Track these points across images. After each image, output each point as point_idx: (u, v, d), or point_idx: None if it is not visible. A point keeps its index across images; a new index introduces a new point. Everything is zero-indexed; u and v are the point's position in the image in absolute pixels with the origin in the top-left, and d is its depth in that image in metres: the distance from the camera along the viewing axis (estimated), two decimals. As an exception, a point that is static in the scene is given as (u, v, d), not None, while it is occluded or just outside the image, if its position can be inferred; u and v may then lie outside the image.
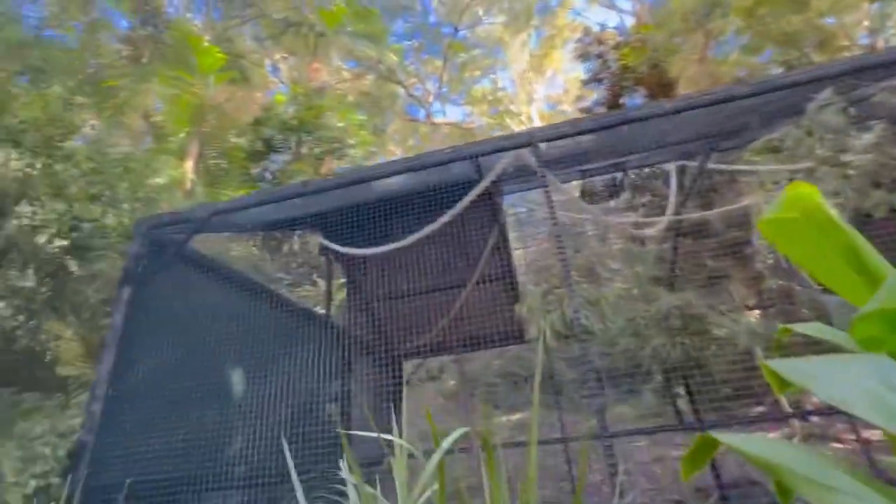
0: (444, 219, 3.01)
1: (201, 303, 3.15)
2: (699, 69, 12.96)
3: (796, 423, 8.50)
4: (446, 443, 1.05)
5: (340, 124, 10.22)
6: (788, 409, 8.57)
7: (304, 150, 11.20)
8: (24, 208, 3.03)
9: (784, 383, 1.00)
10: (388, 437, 1.41)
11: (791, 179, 2.45)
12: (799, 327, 1.01)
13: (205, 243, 4.33)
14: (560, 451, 7.00)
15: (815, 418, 8.74)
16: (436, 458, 1.01)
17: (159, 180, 5.55)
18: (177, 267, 3.14)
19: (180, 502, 2.51)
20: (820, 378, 0.80)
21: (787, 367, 0.89)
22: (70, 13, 9.15)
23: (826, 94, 2.28)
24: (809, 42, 12.14)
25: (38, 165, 3.08)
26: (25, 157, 3.01)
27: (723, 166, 4.55)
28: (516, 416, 10.41)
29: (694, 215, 4.57)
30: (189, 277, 3.18)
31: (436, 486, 1.24)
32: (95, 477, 2.44)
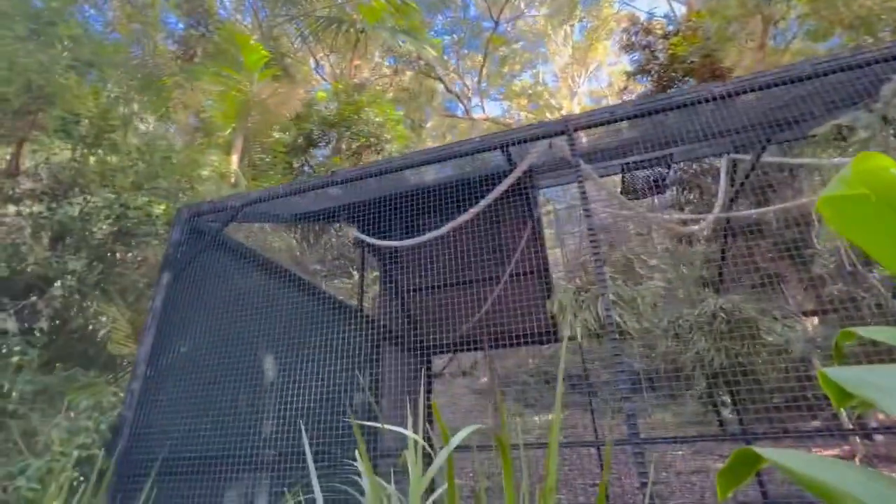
0: (476, 209, 2.94)
1: (236, 289, 3.26)
2: (757, 58, 12.09)
3: (857, 440, 7.82)
4: (455, 439, 0.99)
5: (378, 119, 10.32)
6: (849, 425, 7.91)
7: (342, 145, 11.42)
8: (76, 197, 3.26)
9: (844, 395, 0.87)
10: (402, 431, 1.38)
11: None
12: (864, 331, 0.87)
13: (246, 233, 4.49)
14: (594, 454, 6.78)
15: (879, 437, 8.01)
16: (443, 454, 0.96)
17: (205, 173, 5.80)
18: (214, 254, 3.26)
19: (211, 479, 2.60)
20: (887, 389, 0.68)
21: (848, 375, 0.77)
22: (132, 17, 9.75)
23: (905, 74, 2.02)
24: (885, 26, 11.05)
25: (90, 156, 3.30)
26: (78, 147, 3.22)
27: (780, 159, 4.20)
28: (549, 416, 10.21)
29: (744, 213, 4.24)
30: (225, 264, 3.29)
31: (446, 485, 1.18)
32: (134, 450, 2.57)
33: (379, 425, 1.83)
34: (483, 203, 2.94)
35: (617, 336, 1.93)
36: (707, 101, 2.33)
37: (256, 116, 9.37)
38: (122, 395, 2.73)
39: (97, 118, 3.23)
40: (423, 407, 1.72)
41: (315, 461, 1.65)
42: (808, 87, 2.74)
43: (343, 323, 4.51)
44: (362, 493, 1.61)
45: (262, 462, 2.68)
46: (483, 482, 1.43)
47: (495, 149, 2.67)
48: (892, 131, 2.16)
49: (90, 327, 3.71)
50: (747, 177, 4.36)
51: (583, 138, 2.83)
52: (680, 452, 8.25)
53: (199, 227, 3.35)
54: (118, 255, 3.54)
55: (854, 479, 0.68)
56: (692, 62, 10.63)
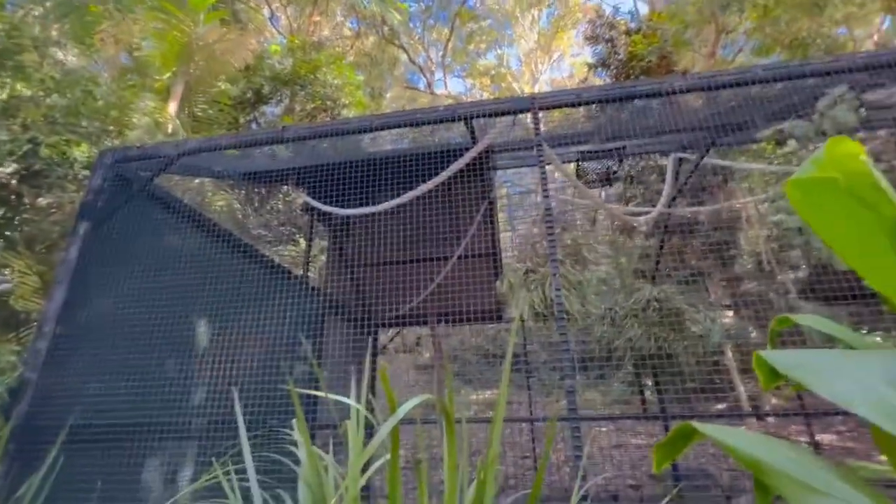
0: (434, 181, 2.87)
1: (166, 246, 2.98)
2: (707, 65, 12.76)
3: (754, 422, 8.78)
4: (402, 409, 0.95)
5: (336, 82, 9.81)
6: (748, 409, 8.88)
7: (296, 105, 10.78)
8: (-28, 124, 2.78)
9: (774, 377, 0.92)
10: (344, 399, 1.32)
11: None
12: (797, 318, 0.93)
13: (182, 189, 4.12)
14: (527, 430, 7.13)
15: (771, 419, 9.07)
16: (389, 423, 0.92)
17: (137, 118, 5.24)
18: (141, 205, 2.95)
19: (131, 448, 2.42)
20: (822, 373, 0.72)
21: (782, 358, 0.81)
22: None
23: (840, 89, 2.17)
24: (819, 50, 12.00)
25: (-7, 80, 2.80)
26: None
27: (720, 161, 4.47)
28: (488, 393, 10.57)
29: (688, 209, 4.50)
30: (155, 217, 3.00)
31: (388, 456, 1.15)
32: (37, 416, 2.32)
33: (319, 393, 1.76)
34: (442, 176, 2.87)
35: (562, 319, 1.98)
36: (669, 93, 2.40)
37: (200, 63, 8.55)
38: (24, 355, 2.44)
39: (2, 36, 2.71)
40: (367, 378, 1.67)
41: (249, 431, 1.56)
42: (753, 93, 2.90)
43: (286, 291, 4.32)
44: (298, 463, 1.55)
45: (189, 431, 2.53)
46: (423, 453, 1.41)
47: (459, 119, 2.60)
48: (822, 141, 2.33)
49: (-12, 279, 3.26)
50: (690, 176, 4.61)
51: (541, 124, 2.82)
52: (604, 429, 8.87)
53: (126, 175, 3.01)
54: (26, 199, 3.09)
55: (783, 455, 0.72)
56: (650, 61, 11.01)
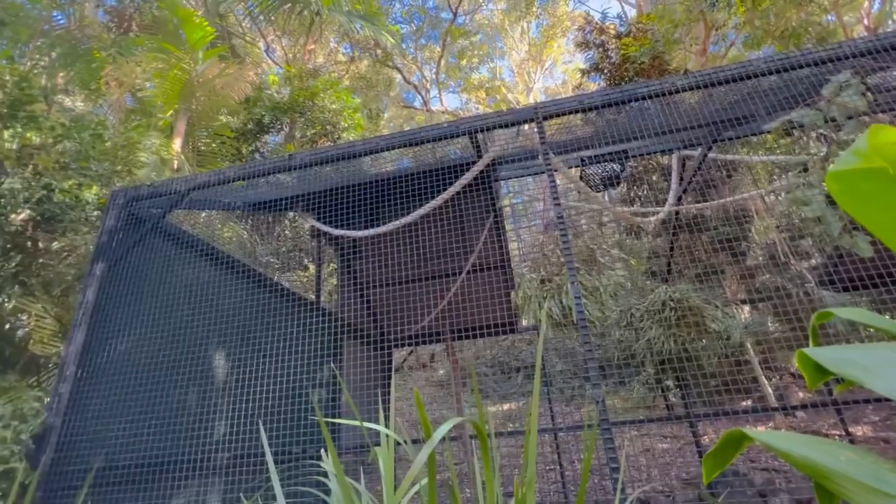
0: (442, 197, 2.87)
1: (181, 281, 3.00)
2: (700, 62, 12.83)
3: (779, 417, 8.56)
4: (438, 434, 0.93)
5: (334, 106, 9.96)
6: (774, 404, 8.65)
7: (296, 132, 10.95)
8: (-14, 175, 2.83)
9: (820, 374, 0.89)
10: (374, 426, 1.30)
11: (803, 168, 2.33)
12: (840, 311, 0.89)
13: (191, 223, 4.16)
14: (549, 441, 6.98)
15: (800, 413, 8.83)
16: (426, 450, 0.89)
17: (144, 156, 5.33)
18: (155, 243, 2.98)
19: (156, 488, 2.39)
20: (875, 368, 0.70)
21: (829, 354, 0.78)
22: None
23: (844, 75, 2.16)
24: (809, 39, 12.03)
25: (5, 131, 2.85)
26: None
27: (724, 156, 4.45)
28: (506, 406, 10.41)
29: (695, 206, 4.46)
30: (168, 254, 3.02)
31: (425, 481, 1.12)
32: (62, 461, 2.31)
33: (344, 421, 1.73)
34: (450, 191, 2.88)
35: (584, 326, 1.95)
36: (671, 92, 2.40)
37: (201, 98, 8.74)
38: (47, 400, 2.44)
39: (12, 87, 2.80)
40: (390, 400, 1.65)
41: (276, 463, 1.54)
42: (753, 88, 2.90)
43: (300, 317, 4.32)
44: (327, 493, 1.52)
45: (213, 466, 2.50)
46: (454, 474, 1.38)
47: (464, 134, 2.61)
48: (828, 128, 2.30)
49: (6, 325, 3.27)
50: (696, 173, 4.59)
51: (547, 130, 2.83)
52: (628, 434, 8.68)
53: (138, 214, 3.04)
54: (40, 243, 3.13)
55: (844, 457, 0.69)
56: (642, 63, 11.08)
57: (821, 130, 2.32)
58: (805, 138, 3.19)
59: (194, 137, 9.21)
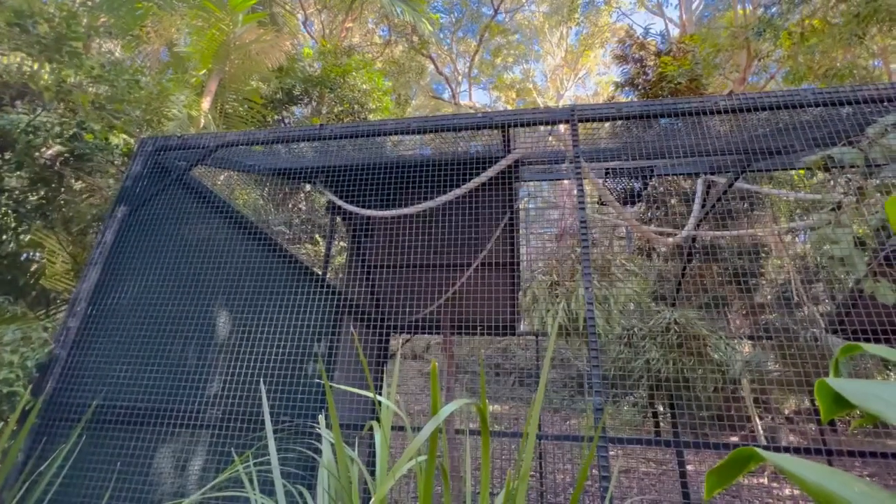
0: (466, 188, 2.87)
1: (198, 235, 3.03)
2: (738, 91, 12.63)
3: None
4: (444, 411, 0.93)
5: (365, 86, 9.95)
6: (763, 442, 8.57)
7: (323, 107, 10.97)
8: (25, 106, 2.86)
9: (838, 406, 0.88)
10: (376, 396, 1.31)
11: (837, 206, 2.29)
12: (869, 347, 0.88)
13: (212, 181, 4.20)
14: (533, 447, 6.99)
15: (805, 459, 8.77)
16: (431, 424, 0.90)
17: (175, 110, 5.37)
18: (177, 194, 3.00)
19: (147, 433, 2.43)
20: (893, 403, 0.68)
21: (857, 387, 0.77)
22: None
23: (892, 117, 2.11)
24: (853, 82, 11.77)
25: (47, 63, 2.88)
26: (34, 50, 2.80)
27: (752, 186, 4.38)
28: (494, 407, 10.43)
29: (714, 233, 4.41)
30: (188, 208, 3.05)
31: (422, 458, 1.13)
32: (63, 392, 2.35)
33: (353, 390, 1.73)
34: (473, 182, 2.87)
35: (594, 333, 1.94)
36: (713, 112, 2.36)
37: (235, 61, 8.78)
38: (54, 332, 2.49)
39: (59, 22, 2.82)
40: (391, 379, 1.65)
41: (265, 424, 1.55)
42: (792, 120, 2.85)
43: (306, 289, 4.35)
44: (318, 457, 1.53)
45: (205, 420, 2.53)
46: (446, 459, 1.39)
47: (496, 127, 2.60)
48: (868, 172, 2.26)
49: (23, 257, 3.33)
50: (719, 199, 4.53)
51: (565, 135, 2.81)
52: (612, 453, 8.67)
53: (164, 164, 3.07)
54: (66, 180, 3.17)
55: (859, 490, 0.68)
56: (679, 83, 10.93)
57: (855, 172, 2.28)
58: (834, 181, 3.13)
59: (223, 99, 9.26)
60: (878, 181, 2.08)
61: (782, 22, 9.99)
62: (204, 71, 8.61)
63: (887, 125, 2.14)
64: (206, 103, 8.16)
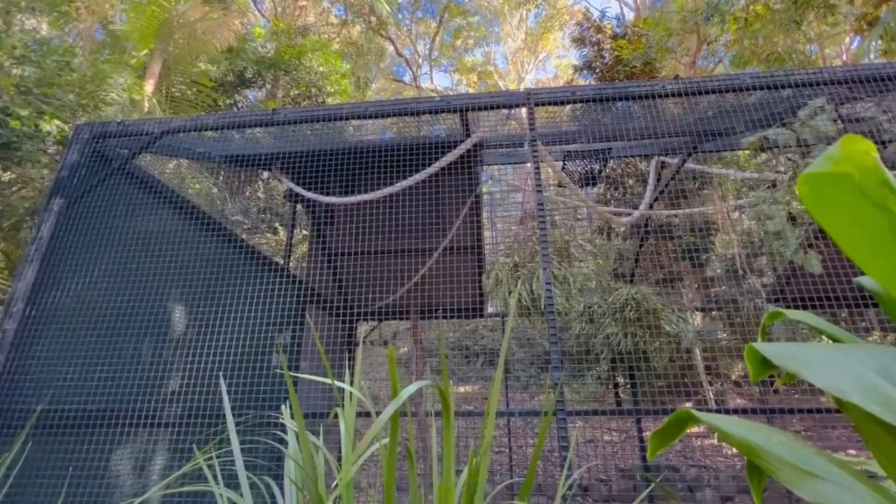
0: (426, 173, 2.86)
1: (145, 227, 2.87)
2: (688, 74, 13.12)
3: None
4: (405, 392, 0.95)
5: (322, 69, 9.62)
6: (714, 406, 9.22)
7: (279, 91, 10.54)
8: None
9: (764, 368, 0.96)
10: (340, 384, 1.31)
11: (772, 185, 2.45)
12: (790, 313, 0.96)
13: (160, 170, 3.98)
14: (501, 424, 7.22)
15: (735, 417, 9.48)
16: (391, 406, 0.91)
17: (114, 94, 5.02)
18: (120, 185, 2.83)
19: (101, 435, 2.33)
20: (816, 364, 0.76)
21: (779, 350, 0.84)
22: None
23: (820, 100, 2.27)
24: (792, 65, 12.48)
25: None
26: None
27: (700, 167, 4.61)
28: (462, 389, 10.64)
29: (666, 212, 4.62)
30: (133, 198, 2.88)
31: (386, 441, 1.15)
32: (2, 399, 2.20)
33: (316, 378, 1.73)
34: (434, 167, 2.86)
35: (552, 312, 2.01)
36: (661, 95, 2.46)
37: (180, 41, 8.24)
38: (-11, 336, 2.31)
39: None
40: (355, 368, 1.66)
41: (227, 418, 1.53)
42: (736, 101, 3.00)
43: (266, 278, 4.25)
44: (284, 450, 1.52)
45: (164, 419, 2.45)
46: (412, 441, 1.42)
47: (454, 110, 2.59)
48: (806, 151, 2.42)
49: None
50: (671, 180, 4.73)
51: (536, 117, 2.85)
52: (576, 425, 9.06)
53: (104, 152, 2.87)
54: (-7, 170, 2.91)
55: (777, 440, 0.75)
56: (634, 67, 11.21)
57: (794, 151, 2.44)
58: (775, 160, 3.34)
59: (169, 82, 8.72)
60: (810, 160, 2.24)
61: (729, 7, 10.39)
62: (145, 51, 8.06)
63: (816, 108, 2.29)
64: (149, 86, 7.66)
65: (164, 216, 3.08)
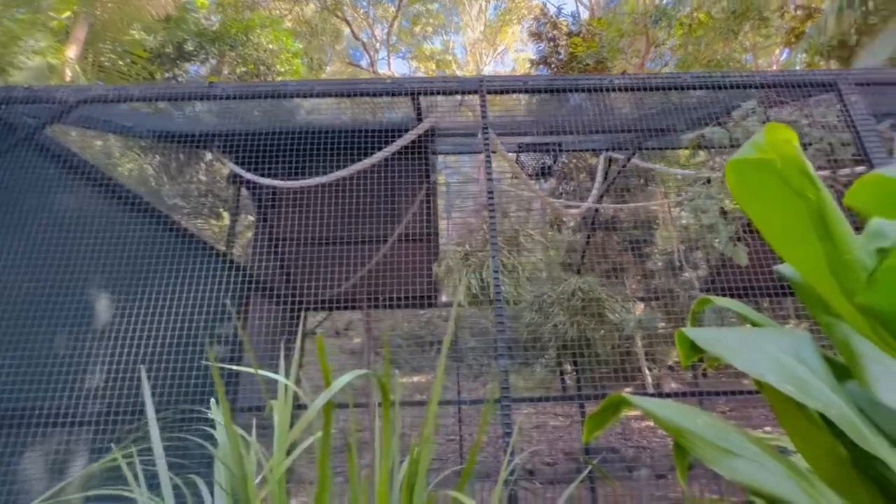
0: (376, 157, 2.77)
1: (60, 206, 2.59)
2: (636, 74, 13.70)
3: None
4: (337, 383, 0.90)
5: (271, 46, 9.12)
6: (651, 391, 9.83)
7: (224, 67, 9.91)
8: None
9: (693, 352, 1.00)
10: (272, 375, 1.24)
11: (707, 181, 2.59)
12: (717, 300, 1.00)
13: (81, 143, 3.60)
14: (452, 413, 7.30)
15: (670, 399, 10.18)
16: (323, 397, 0.86)
17: (28, 59, 4.49)
18: (29, 157, 2.52)
19: (6, 436, 2.10)
20: (737, 348, 0.79)
21: (705, 335, 0.87)
22: None
23: (751, 103, 2.42)
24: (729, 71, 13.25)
25: None
26: None
27: (645, 163, 4.82)
28: (416, 378, 10.66)
29: (613, 206, 4.80)
30: (46, 174, 2.58)
31: (318, 434, 1.09)
32: None
33: (243, 369, 1.63)
34: (384, 152, 2.78)
35: (500, 300, 2.02)
36: (609, 89, 2.51)
37: (109, 5, 7.51)
38: None
39: None
40: (296, 359, 1.59)
41: (157, 414, 1.41)
42: (678, 100, 3.15)
43: (204, 266, 3.99)
44: (215, 446, 1.43)
45: (84, 417, 2.25)
46: (353, 434, 1.37)
47: (406, 94, 2.52)
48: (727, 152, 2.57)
49: None
50: (618, 175, 4.91)
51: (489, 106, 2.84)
52: (524, 411, 9.35)
53: (8, 120, 2.54)
54: None
55: (701, 421, 0.78)
56: (587, 64, 11.53)
57: (730, 150, 2.57)
58: (711, 160, 3.55)
59: (97, 50, 7.94)
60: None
61: (675, 12, 10.90)
62: (68, 13, 7.27)
63: (748, 110, 2.43)
64: (72, 52, 6.94)
65: (85, 195, 2.79)
